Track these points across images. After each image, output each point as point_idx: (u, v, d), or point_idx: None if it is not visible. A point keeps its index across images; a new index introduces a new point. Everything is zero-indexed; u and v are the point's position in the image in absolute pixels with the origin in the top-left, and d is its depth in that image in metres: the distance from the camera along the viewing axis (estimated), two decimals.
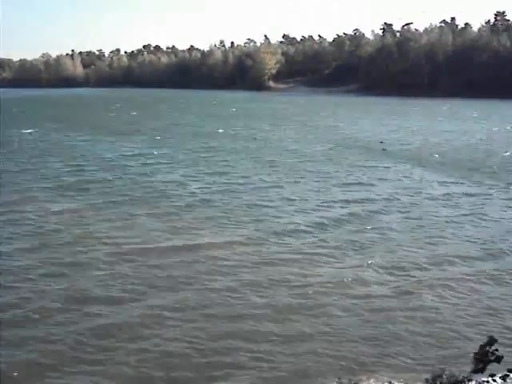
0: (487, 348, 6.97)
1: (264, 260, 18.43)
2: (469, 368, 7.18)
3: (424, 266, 18.14)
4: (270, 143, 49.46)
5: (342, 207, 25.60)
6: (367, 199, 27.15)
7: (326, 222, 23.01)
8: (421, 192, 28.99)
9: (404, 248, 19.81)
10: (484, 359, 6.96)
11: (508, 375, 6.82)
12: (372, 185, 30.86)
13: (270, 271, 17.50)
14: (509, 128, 64.69)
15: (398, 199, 27.33)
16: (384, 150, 46.27)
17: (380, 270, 17.70)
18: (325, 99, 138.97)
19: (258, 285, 16.46)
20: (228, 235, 20.95)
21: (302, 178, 32.83)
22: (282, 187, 29.77)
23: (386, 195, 28.12)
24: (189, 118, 74.88)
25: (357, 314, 14.74)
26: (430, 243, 20.33)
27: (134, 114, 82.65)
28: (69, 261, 18.09)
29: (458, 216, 24.34)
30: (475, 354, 7.06)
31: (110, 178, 31.39)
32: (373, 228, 22.24)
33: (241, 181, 31.55)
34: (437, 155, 42.55)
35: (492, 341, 7.00)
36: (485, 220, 23.79)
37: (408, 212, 24.92)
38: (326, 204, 26.11)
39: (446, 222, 23.41)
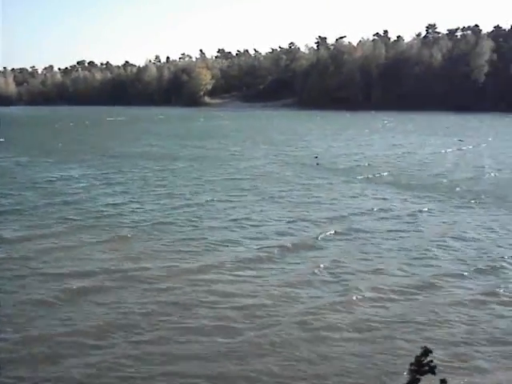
0: (422, 359, 6.82)
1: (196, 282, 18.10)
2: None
3: (362, 279, 18.07)
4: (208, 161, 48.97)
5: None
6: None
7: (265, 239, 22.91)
8: (362, 207, 29.00)
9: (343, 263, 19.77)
10: (419, 370, 6.82)
11: None
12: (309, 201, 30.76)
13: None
14: (455, 140, 65.87)
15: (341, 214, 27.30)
16: (317, 164, 47.06)
17: (322, 286, 17.64)
18: (261, 114, 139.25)
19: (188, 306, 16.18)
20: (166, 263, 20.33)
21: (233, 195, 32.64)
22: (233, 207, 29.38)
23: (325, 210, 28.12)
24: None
25: (291, 333, 14.50)
26: (365, 259, 20.26)
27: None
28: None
29: (394, 228, 24.42)
30: (411, 365, 6.90)
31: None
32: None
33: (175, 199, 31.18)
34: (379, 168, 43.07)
35: (426, 351, 6.87)
36: (419, 231, 23.97)
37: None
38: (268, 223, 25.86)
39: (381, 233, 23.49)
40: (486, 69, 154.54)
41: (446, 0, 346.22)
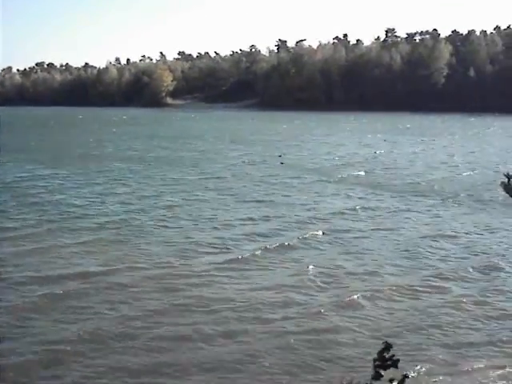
0: (384, 354, 7.13)
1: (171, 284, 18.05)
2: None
3: (352, 279, 18.51)
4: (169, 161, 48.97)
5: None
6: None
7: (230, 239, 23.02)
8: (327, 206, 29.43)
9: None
10: (383, 365, 7.12)
11: (404, 380, 7.05)
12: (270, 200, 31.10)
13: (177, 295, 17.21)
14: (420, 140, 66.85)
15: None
16: (282, 163, 47.59)
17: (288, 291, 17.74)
18: (223, 115, 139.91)
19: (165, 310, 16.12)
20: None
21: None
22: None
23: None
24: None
25: (262, 338, 14.60)
26: (351, 259, 20.63)
27: None
28: None
29: (373, 227, 25.04)
30: (374, 360, 7.21)
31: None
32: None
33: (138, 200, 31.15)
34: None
35: (388, 346, 7.18)
36: (399, 229, 24.72)
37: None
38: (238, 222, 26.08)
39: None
40: (445, 71, 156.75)
41: (404, 5, 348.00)
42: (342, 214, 27.38)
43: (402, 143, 63.87)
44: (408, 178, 38.64)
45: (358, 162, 47.64)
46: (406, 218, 26.67)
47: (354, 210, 28.27)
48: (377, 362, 7.59)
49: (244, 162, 47.96)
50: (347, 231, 24.11)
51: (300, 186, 35.81)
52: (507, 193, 11.98)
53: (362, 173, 40.91)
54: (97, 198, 31.49)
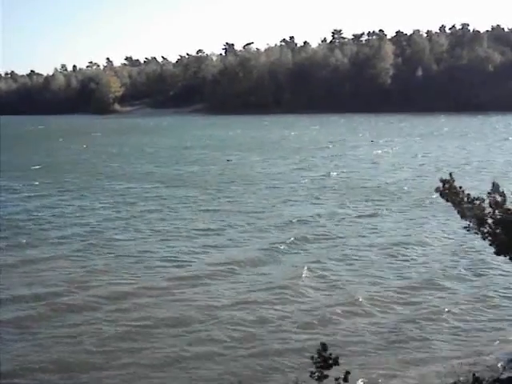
0: (323, 353, 7.14)
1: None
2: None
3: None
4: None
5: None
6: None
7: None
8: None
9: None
10: (325, 365, 7.09)
11: (347, 376, 7.07)
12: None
13: None
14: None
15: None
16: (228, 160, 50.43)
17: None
18: (174, 120, 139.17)
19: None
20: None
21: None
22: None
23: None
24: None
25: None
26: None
27: None
28: None
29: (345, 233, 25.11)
30: (313, 360, 7.17)
31: None
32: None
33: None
34: None
35: (325, 346, 7.22)
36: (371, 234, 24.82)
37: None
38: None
39: None
40: (391, 72, 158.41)
41: (351, 6, 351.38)
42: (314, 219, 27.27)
43: (363, 145, 64.24)
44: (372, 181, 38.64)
45: (324, 164, 47.83)
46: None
47: (323, 215, 28.22)
48: (318, 363, 7.52)
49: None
50: (326, 236, 24.28)
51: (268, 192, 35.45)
52: (442, 197, 12.12)
53: (331, 176, 40.94)
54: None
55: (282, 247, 22.78)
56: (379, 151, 57.70)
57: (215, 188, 36.98)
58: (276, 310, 16.61)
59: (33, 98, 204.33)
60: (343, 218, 27.27)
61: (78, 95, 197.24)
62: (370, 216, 27.65)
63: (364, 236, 24.05)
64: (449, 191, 11.95)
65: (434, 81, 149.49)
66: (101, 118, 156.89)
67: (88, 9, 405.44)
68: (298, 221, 27.07)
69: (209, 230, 25.81)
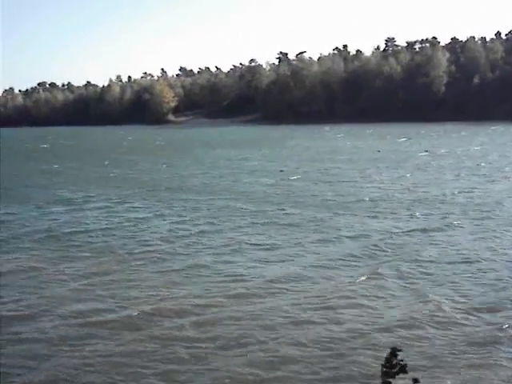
0: (392, 359, 7.28)
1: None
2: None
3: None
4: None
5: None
6: None
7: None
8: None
9: None
10: (391, 372, 7.27)
11: None
12: None
13: None
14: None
15: None
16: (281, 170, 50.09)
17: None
18: (235, 130, 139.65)
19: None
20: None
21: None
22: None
23: None
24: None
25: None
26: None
27: None
28: None
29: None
30: (382, 366, 7.35)
31: None
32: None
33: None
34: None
35: (395, 351, 7.31)
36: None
37: None
38: None
39: None
40: (444, 79, 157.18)
41: (404, 13, 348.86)
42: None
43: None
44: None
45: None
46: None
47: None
48: (385, 369, 7.77)
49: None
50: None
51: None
52: None
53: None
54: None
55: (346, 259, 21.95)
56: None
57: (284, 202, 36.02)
58: (340, 327, 15.83)
59: (88, 108, 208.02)
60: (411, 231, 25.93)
61: (132, 106, 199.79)
62: (437, 230, 26.01)
63: (425, 250, 22.80)
64: None
65: (488, 88, 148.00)
66: (157, 129, 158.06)
67: (144, 19, 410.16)
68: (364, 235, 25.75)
69: (265, 244, 24.68)
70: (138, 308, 17.14)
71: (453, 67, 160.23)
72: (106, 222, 29.66)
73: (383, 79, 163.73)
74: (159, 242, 25.14)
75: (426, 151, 65.28)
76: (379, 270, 19.99)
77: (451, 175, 44.87)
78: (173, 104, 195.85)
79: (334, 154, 65.03)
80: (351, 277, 19.57)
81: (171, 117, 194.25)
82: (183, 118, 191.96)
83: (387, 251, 22.23)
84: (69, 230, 27.54)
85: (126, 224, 29.22)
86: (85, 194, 39.39)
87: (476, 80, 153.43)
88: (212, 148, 79.76)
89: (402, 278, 19.16)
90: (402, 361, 7.17)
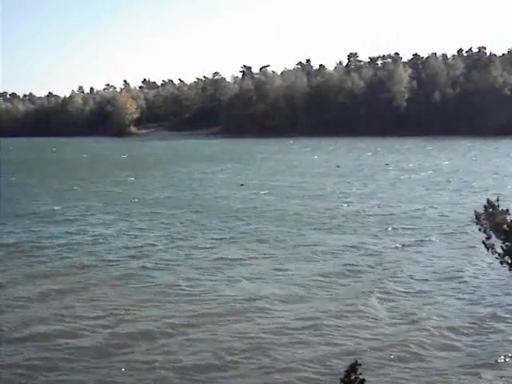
0: (351, 374, 7.35)
1: None
2: None
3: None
4: None
5: None
6: None
7: None
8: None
9: None
10: None
11: None
12: None
13: None
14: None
15: None
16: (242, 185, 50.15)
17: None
18: (190, 143, 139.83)
19: None
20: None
21: None
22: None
23: None
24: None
25: None
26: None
27: None
28: None
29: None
30: (341, 380, 7.44)
31: None
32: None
33: None
34: None
35: (355, 366, 7.39)
36: None
37: None
38: None
39: None
40: (406, 95, 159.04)
41: (367, 29, 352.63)
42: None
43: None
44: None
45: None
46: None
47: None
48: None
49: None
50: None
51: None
52: (479, 223, 12.17)
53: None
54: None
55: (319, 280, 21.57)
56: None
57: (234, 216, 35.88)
58: (319, 348, 15.54)
59: (50, 119, 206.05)
60: (381, 249, 25.95)
61: (94, 117, 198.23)
62: (413, 245, 26.42)
63: (403, 266, 22.93)
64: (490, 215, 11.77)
65: (449, 104, 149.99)
66: (120, 141, 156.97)
67: (107, 31, 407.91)
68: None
69: (234, 260, 24.44)
70: (99, 331, 16.69)
71: (414, 83, 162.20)
72: (65, 237, 29.32)
73: (346, 94, 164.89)
74: (125, 259, 24.78)
75: (387, 164, 66.33)
76: (360, 288, 19.98)
77: (422, 190, 45.50)
78: (135, 116, 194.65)
79: (302, 168, 65.38)
80: (332, 296, 19.45)
81: (133, 129, 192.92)
82: (145, 131, 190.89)
83: (366, 268, 22.35)
84: (30, 246, 27.35)
85: (89, 239, 28.89)
86: (46, 208, 39.01)
87: (437, 96, 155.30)
88: (177, 162, 79.23)
89: (385, 298, 19.05)
90: (360, 374, 7.25)
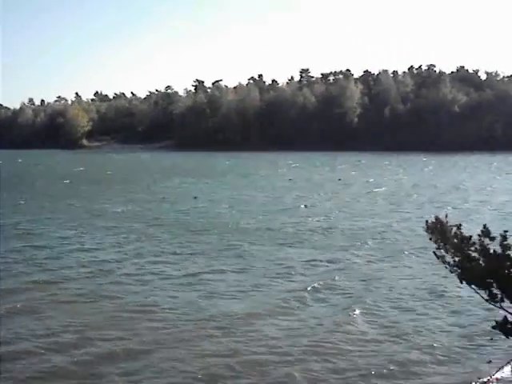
0: None
1: None
2: None
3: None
4: None
5: None
6: None
7: None
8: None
9: None
10: None
11: None
12: None
13: None
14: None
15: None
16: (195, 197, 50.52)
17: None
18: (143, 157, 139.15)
19: None
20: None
21: None
22: None
23: None
24: None
25: None
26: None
27: None
28: None
29: None
30: None
31: None
32: None
33: None
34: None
35: None
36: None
37: None
38: None
39: None
40: (358, 111, 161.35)
41: (318, 45, 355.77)
42: None
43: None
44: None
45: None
46: None
47: None
48: None
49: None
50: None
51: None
52: (429, 234, 12.46)
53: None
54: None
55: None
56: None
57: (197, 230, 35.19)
58: (306, 370, 15.07)
59: (1, 131, 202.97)
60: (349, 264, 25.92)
61: (45, 130, 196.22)
62: (386, 260, 26.67)
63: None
64: (439, 229, 12.03)
65: (400, 120, 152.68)
66: (72, 153, 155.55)
67: (57, 43, 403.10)
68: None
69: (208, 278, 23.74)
70: (72, 352, 16.07)
71: (366, 99, 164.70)
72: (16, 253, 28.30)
73: (298, 109, 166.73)
74: (82, 276, 24.04)
75: (339, 180, 67.16)
76: (341, 304, 19.94)
77: (387, 205, 46.15)
78: (87, 128, 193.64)
79: (258, 182, 65.65)
80: (313, 312, 19.26)
81: (85, 142, 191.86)
82: (97, 143, 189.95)
83: (344, 284, 22.42)
84: None
85: (47, 255, 28.05)
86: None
87: (387, 112, 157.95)
88: (133, 176, 78.16)
89: (372, 314, 18.92)
90: None
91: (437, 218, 11.88)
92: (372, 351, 16.06)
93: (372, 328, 17.79)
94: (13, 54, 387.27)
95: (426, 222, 11.88)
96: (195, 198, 50.98)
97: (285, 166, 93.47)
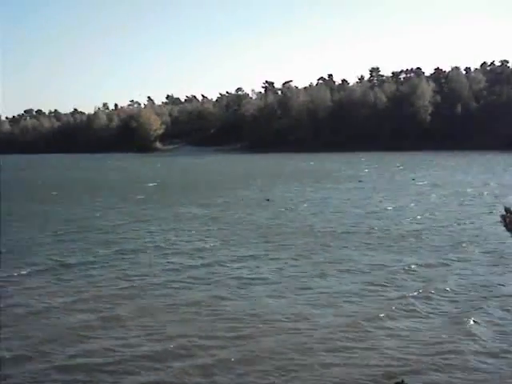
0: None
1: None
2: None
3: None
4: None
5: None
6: None
7: None
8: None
9: None
10: None
11: None
12: None
13: None
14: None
15: None
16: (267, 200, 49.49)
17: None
18: (220, 158, 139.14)
19: None
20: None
21: None
22: None
23: None
24: None
25: None
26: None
27: None
28: None
29: None
30: None
31: None
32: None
33: None
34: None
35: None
36: None
37: None
38: None
39: None
40: (430, 109, 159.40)
41: (389, 44, 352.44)
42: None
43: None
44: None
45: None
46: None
47: None
48: None
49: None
50: None
51: None
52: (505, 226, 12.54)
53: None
54: None
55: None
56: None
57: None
58: (364, 368, 14.86)
59: (76, 136, 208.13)
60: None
61: (119, 133, 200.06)
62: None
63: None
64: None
65: (473, 118, 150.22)
66: (147, 156, 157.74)
67: (130, 47, 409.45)
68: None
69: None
70: (135, 350, 16.24)
71: (438, 97, 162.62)
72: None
73: (369, 109, 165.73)
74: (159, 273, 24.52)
75: (413, 180, 66.66)
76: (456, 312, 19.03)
77: (456, 204, 45.48)
78: (160, 132, 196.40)
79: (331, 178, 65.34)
80: (358, 312, 19.07)
81: (158, 144, 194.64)
82: (170, 146, 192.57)
83: (403, 285, 22.10)
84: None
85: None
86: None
87: (459, 109, 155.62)
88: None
89: (489, 323, 17.92)
90: None
91: (507, 210, 12.07)
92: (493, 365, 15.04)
93: (491, 339, 16.69)
94: (87, 58, 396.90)
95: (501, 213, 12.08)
96: (268, 200, 49.39)
97: (363, 167, 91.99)
